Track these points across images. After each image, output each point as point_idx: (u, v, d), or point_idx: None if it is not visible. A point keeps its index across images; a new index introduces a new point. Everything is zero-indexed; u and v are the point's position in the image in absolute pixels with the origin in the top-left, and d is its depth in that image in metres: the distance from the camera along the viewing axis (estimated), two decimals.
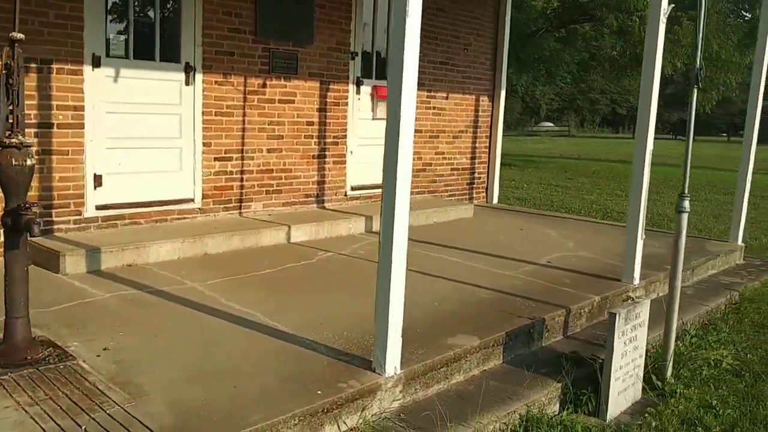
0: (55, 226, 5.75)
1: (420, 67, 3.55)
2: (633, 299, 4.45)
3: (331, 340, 4.08)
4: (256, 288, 5.08)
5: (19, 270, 3.52)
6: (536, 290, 5.39)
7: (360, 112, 8.10)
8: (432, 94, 8.97)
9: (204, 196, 6.72)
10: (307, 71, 7.41)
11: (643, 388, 4.48)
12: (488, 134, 9.96)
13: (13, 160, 3.40)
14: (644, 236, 5.75)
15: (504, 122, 9.88)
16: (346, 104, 7.88)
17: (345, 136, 7.94)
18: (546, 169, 21.56)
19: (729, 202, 13.98)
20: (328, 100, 7.65)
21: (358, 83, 7.99)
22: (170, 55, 6.38)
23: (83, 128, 5.81)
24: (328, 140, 7.74)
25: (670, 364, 4.57)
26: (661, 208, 12.89)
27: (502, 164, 10.39)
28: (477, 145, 9.82)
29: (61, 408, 3.06)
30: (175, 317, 4.37)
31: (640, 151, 5.57)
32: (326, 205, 7.84)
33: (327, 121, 7.69)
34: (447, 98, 9.20)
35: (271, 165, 7.24)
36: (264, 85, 7.01)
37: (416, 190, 8.98)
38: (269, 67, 7.03)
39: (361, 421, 3.51)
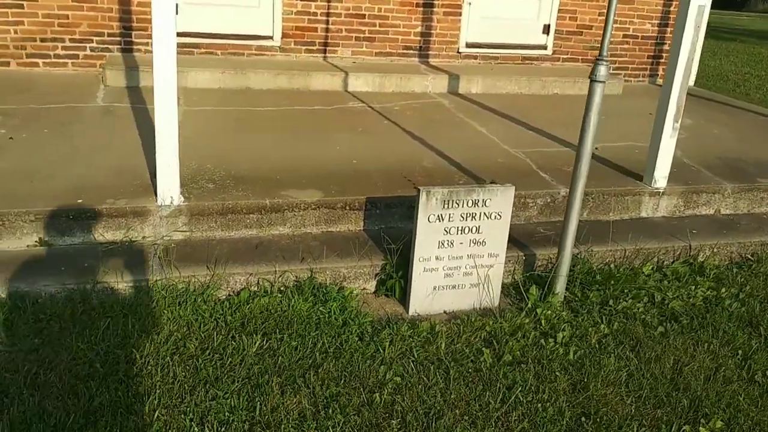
0: (134, 47, 6.54)
1: None
2: (488, 183, 3.40)
3: (195, 170, 4.11)
4: (222, 120, 5.24)
5: None
6: (505, 172, 4.52)
7: None
8: None
9: (284, 35, 6.87)
10: None
11: (510, 296, 3.63)
12: None
13: None
14: (677, 125, 4.30)
15: None
16: None
17: None
18: None
19: None
20: None
21: None
22: None
23: None
24: None
25: (561, 279, 3.56)
26: None
27: None
28: (670, 8, 7.91)
29: None
30: (104, 125, 4.82)
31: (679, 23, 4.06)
32: (431, 60, 7.32)
33: None
34: None
35: (363, 10, 6.97)
36: None
37: (565, 56, 7.77)
38: None
39: (126, 238, 3.61)
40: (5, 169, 3.96)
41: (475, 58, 7.48)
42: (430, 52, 7.32)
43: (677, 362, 3.11)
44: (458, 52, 7.40)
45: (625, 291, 3.67)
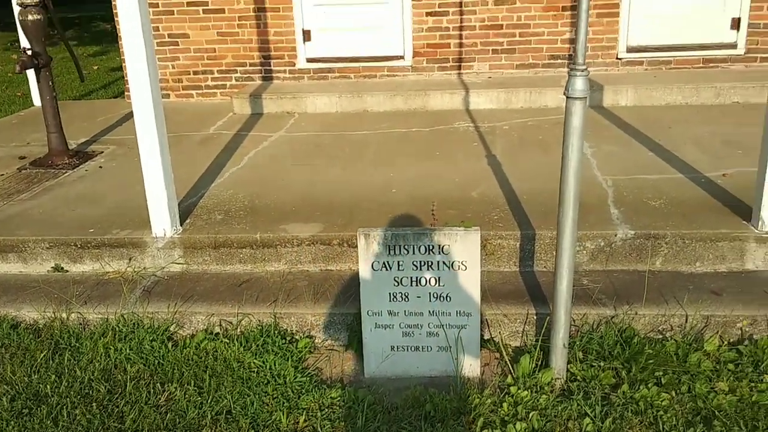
0: (274, 74, 6.80)
1: None
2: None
3: (223, 199, 4.12)
4: (300, 146, 5.15)
5: (44, 99, 4.85)
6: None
7: None
8: None
9: (415, 54, 6.57)
10: None
11: (506, 365, 2.93)
12: None
13: (28, 15, 4.65)
14: None
15: None
16: None
17: None
18: None
19: None
20: None
21: None
22: None
23: None
24: None
25: (557, 351, 2.76)
26: None
27: None
28: None
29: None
30: (188, 153, 5.02)
31: None
32: None
33: None
34: None
35: (500, 20, 6.37)
36: None
37: (764, 55, 6.24)
38: None
39: (130, 269, 3.69)
40: (69, 194, 4.33)
41: (641, 63, 6.37)
42: None
43: None
44: (617, 58, 6.37)
45: (657, 374, 2.73)
